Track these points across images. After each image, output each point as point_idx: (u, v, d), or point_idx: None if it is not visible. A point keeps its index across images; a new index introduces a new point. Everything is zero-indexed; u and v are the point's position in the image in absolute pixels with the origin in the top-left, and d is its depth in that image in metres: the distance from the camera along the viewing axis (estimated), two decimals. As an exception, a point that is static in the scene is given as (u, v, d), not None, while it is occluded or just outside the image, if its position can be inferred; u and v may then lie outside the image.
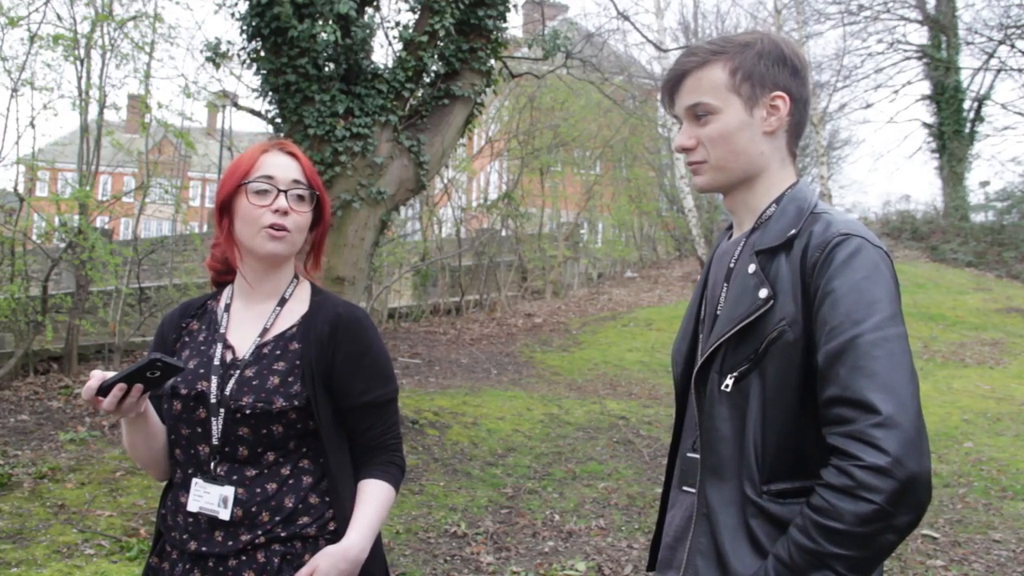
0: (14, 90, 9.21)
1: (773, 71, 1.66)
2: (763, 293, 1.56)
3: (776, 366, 1.53)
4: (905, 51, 26.13)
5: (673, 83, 1.74)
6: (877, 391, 1.37)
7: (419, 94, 7.71)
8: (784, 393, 1.52)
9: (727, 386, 1.59)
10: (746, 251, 1.67)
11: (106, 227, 12.19)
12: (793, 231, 1.59)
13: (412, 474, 6.88)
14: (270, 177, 1.94)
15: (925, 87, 25.98)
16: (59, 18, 10.24)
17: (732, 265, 1.69)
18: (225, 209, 1.97)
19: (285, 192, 1.95)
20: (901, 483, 1.32)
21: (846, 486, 1.35)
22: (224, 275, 2.10)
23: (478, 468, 7.21)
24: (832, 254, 1.50)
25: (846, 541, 1.35)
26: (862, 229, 1.55)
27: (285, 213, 1.94)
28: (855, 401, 1.38)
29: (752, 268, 1.61)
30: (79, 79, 10.13)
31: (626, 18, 11.31)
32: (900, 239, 23.85)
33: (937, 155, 25.48)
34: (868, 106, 41.77)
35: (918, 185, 64.96)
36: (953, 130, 24.53)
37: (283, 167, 1.97)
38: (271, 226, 1.93)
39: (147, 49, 11.49)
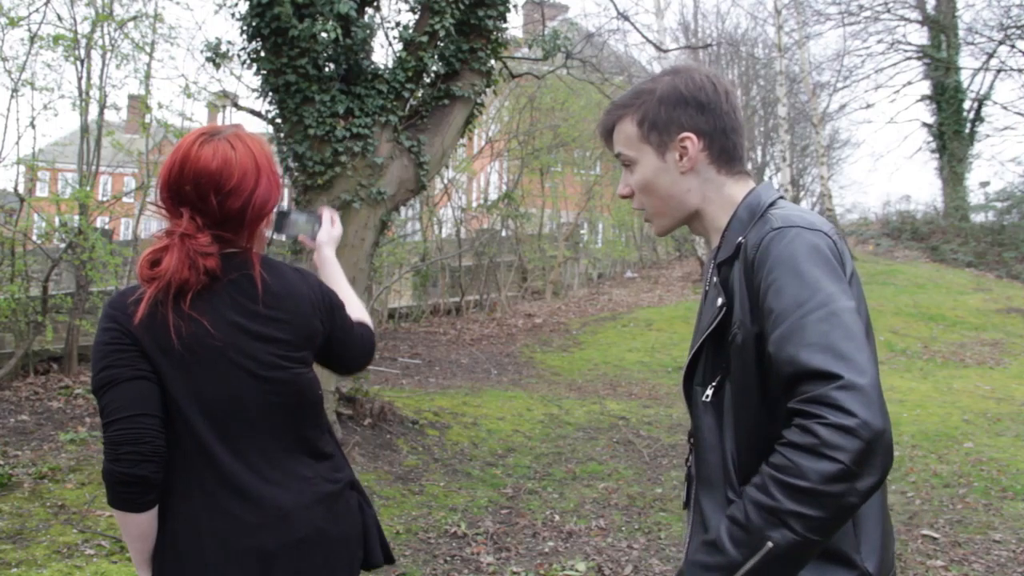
0: (14, 90, 9.23)
1: (674, 114, 1.73)
2: (719, 302, 1.62)
3: (739, 369, 1.56)
4: (905, 51, 26.17)
5: (605, 137, 1.86)
6: (833, 359, 1.35)
7: (419, 94, 7.71)
8: (747, 395, 1.54)
9: (707, 396, 1.63)
10: (711, 266, 1.74)
11: (106, 227, 12.20)
12: (740, 238, 1.63)
13: (412, 474, 6.89)
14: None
15: (925, 87, 26.03)
16: (59, 18, 10.29)
17: (708, 281, 1.76)
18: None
19: None
20: (866, 443, 1.29)
21: (811, 444, 1.31)
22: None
23: (478, 468, 7.21)
24: (767, 248, 1.53)
25: (808, 500, 1.31)
26: (802, 219, 1.57)
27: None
28: (813, 372, 1.35)
29: (715, 280, 1.68)
30: (79, 79, 10.15)
31: (626, 18, 11.31)
32: (900, 239, 23.87)
33: (937, 155, 25.50)
34: (868, 106, 41.87)
35: (918, 185, 65.05)
36: (953, 130, 24.55)
37: None
38: None
39: (147, 49, 11.51)
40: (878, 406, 1.32)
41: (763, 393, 1.52)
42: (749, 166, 1.86)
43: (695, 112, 1.73)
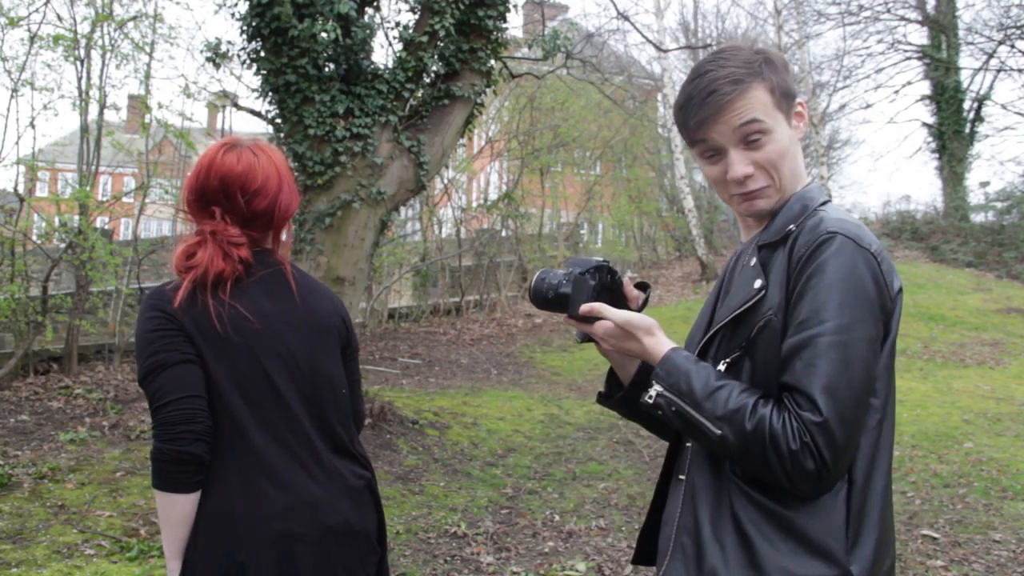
0: (14, 90, 9.23)
1: (789, 80, 1.71)
2: (757, 283, 1.62)
3: (763, 352, 1.59)
4: (905, 51, 26.14)
5: (713, 112, 1.66)
6: (821, 392, 1.45)
7: (419, 94, 7.71)
8: (768, 378, 1.57)
9: (720, 370, 1.64)
10: (751, 247, 1.73)
11: (106, 227, 12.20)
12: (792, 227, 1.64)
13: (412, 474, 6.89)
14: None
15: (925, 87, 25.99)
16: (59, 18, 10.28)
17: (742, 262, 1.75)
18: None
19: None
20: (820, 484, 1.48)
21: (782, 447, 1.45)
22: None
23: (478, 468, 7.21)
24: (816, 251, 1.54)
25: (754, 456, 1.49)
26: (854, 228, 1.57)
27: None
28: (804, 393, 1.47)
29: (753, 261, 1.67)
30: (79, 79, 10.15)
31: (626, 18, 11.31)
32: (900, 239, 23.85)
33: (937, 155, 25.48)
34: (868, 106, 41.81)
35: (918, 185, 64.98)
36: (953, 130, 24.52)
37: None
38: None
39: (147, 49, 11.51)
40: (843, 454, 1.47)
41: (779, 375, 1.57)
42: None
43: (792, 85, 1.73)
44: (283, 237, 2.20)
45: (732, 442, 1.50)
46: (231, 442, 1.96)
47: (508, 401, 9.90)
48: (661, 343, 1.67)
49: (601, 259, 1.80)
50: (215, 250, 2.00)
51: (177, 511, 1.94)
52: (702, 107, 1.66)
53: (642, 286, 1.82)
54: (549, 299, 1.76)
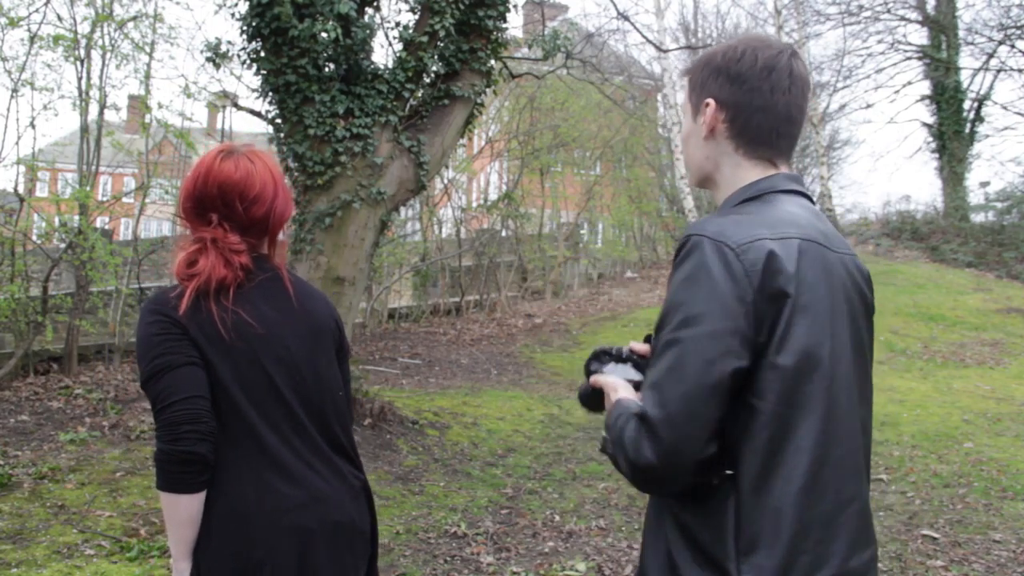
0: (14, 90, 9.23)
1: (708, 80, 1.74)
2: None
3: None
4: (905, 51, 26.15)
5: None
6: (648, 390, 1.51)
7: (419, 94, 7.71)
8: None
9: None
10: None
11: (106, 227, 12.19)
12: None
13: (412, 474, 6.89)
14: None
15: (925, 87, 26.00)
16: (59, 18, 10.28)
17: None
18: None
19: None
20: (650, 482, 1.52)
21: (628, 448, 1.49)
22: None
23: (478, 468, 7.21)
24: (677, 255, 1.59)
25: (618, 463, 1.53)
26: (714, 227, 1.55)
27: None
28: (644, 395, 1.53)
29: None
30: (79, 79, 10.15)
31: (626, 18, 11.31)
32: (900, 239, 23.85)
33: (937, 155, 25.49)
34: (868, 106, 41.77)
35: (918, 185, 64.93)
36: (953, 130, 24.53)
37: None
38: None
39: (147, 49, 11.50)
40: (674, 452, 1.45)
41: None
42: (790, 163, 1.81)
43: (724, 81, 1.71)
44: (280, 239, 2.23)
45: (607, 445, 1.57)
46: (241, 441, 1.99)
47: (508, 401, 9.90)
48: (621, 393, 1.69)
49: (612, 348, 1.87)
50: (217, 258, 2.02)
51: (183, 512, 1.94)
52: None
53: (648, 338, 1.80)
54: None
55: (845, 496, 1.54)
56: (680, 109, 1.83)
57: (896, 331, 14.40)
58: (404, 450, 7.42)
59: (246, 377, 2.00)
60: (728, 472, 1.50)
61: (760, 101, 1.69)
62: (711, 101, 1.72)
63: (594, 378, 1.76)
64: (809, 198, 1.74)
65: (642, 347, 1.79)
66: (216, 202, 2.07)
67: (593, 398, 1.79)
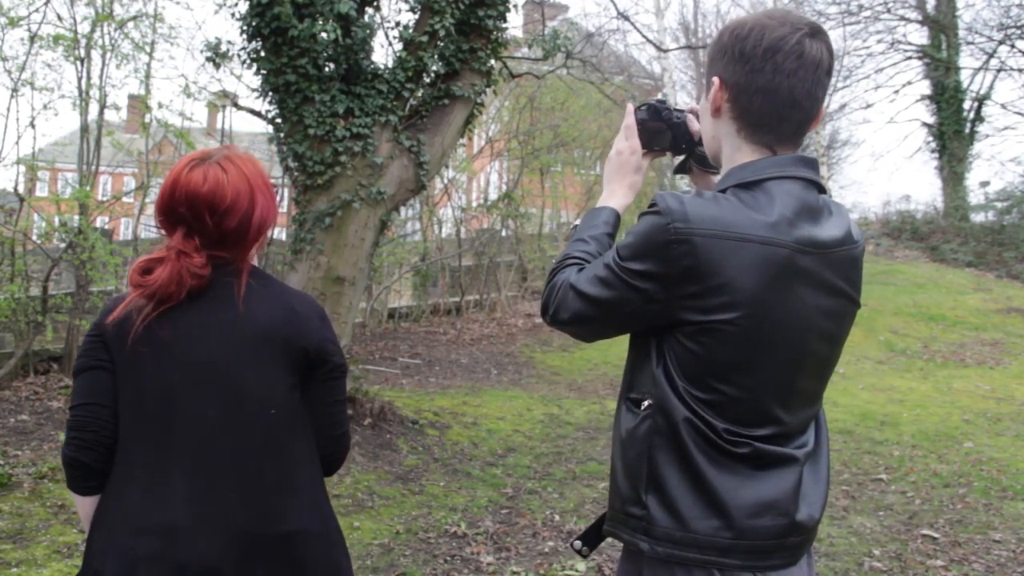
0: (14, 90, 9.23)
1: (716, 57, 1.74)
2: None
3: None
4: (905, 51, 26.14)
5: None
6: (579, 272, 1.82)
7: (419, 94, 7.71)
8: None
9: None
10: None
11: (106, 227, 12.19)
12: None
13: (412, 474, 6.89)
14: None
15: (925, 87, 25.98)
16: (59, 18, 10.29)
17: None
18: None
19: None
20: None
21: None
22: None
23: (478, 468, 7.21)
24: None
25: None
26: (672, 202, 1.61)
27: None
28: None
29: None
30: (79, 79, 10.15)
31: (626, 18, 11.31)
32: (900, 239, 23.85)
33: (937, 155, 25.48)
34: (868, 106, 41.79)
35: (918, 185, 64.94)
36: (953, 130, 24.52)
37: None
38: None
39: (147, 49, 11.51)
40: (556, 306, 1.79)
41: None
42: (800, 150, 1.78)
43: (730, 60, 1.70)
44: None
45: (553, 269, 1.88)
46: (125, 450, 1.90)
47: (508, 401, 9.90)
48: (612, 197, 2.01)
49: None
50: (172, 274, 1.89)
51: (80, 509, 1.99)
52: None
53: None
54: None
55: None
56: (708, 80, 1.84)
57: (896, 331, 14.41)
58: (404, 450, 7.42)
59: (144, 385, 1.89)
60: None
61: (761, 82, 1.66)
62: (716, 80, 1.73)
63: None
64: (806, 180, 1.68)
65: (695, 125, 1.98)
66: (185, 214, 1.94)
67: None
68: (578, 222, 1.99)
